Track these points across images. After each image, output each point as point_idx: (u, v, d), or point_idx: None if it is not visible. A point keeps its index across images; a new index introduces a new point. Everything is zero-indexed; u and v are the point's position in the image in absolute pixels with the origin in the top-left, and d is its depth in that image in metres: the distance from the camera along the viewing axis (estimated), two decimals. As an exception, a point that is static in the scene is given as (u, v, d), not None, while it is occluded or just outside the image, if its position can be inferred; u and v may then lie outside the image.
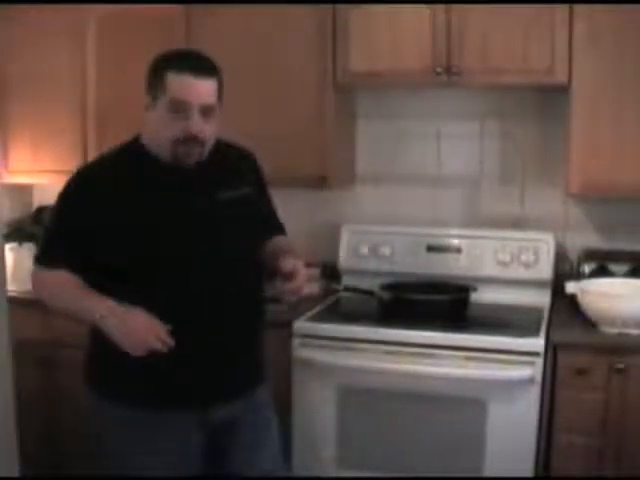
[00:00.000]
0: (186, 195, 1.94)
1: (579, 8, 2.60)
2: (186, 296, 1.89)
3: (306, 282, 2.01)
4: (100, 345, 1.98)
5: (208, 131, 1.90)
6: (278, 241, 2.19)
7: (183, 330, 1.86)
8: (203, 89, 1.86)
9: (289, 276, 1.96)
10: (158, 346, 1.78)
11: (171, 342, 1.79)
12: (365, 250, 3.08)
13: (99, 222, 1.88)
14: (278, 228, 2.25)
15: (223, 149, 2.05)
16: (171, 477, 1.96)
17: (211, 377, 1.95)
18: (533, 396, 2.45)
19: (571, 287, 2.64)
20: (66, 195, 1.96)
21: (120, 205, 1.89)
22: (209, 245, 1.93)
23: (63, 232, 1.94)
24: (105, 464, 2.02)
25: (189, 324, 1.88)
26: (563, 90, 2.71)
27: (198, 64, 1.89)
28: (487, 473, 2.51)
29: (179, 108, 1.85)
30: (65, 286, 1.91)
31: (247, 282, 2.02)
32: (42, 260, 1.98)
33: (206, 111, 1.87)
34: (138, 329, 1.79)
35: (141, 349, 1.79)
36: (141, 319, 1.80)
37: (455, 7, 2.71)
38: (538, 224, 3.04)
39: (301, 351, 2.65)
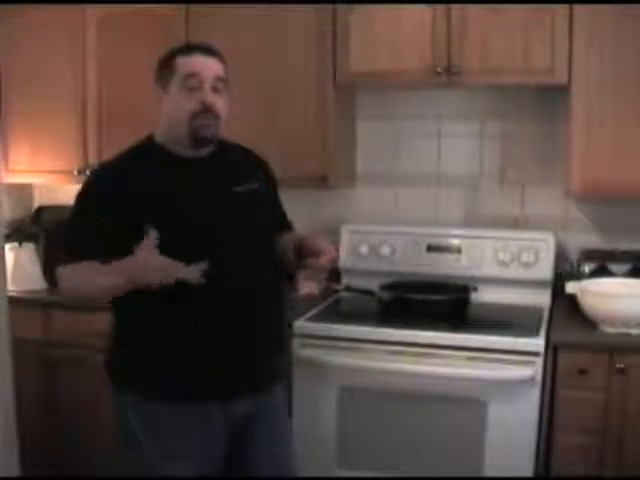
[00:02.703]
0: (202, 188, 1.97)
1: (579, 8, 2.60)
2: (205, 291, 1.89)
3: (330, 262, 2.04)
4: (124, 343, 2.01)
5: (221, 106, 1.96)
6: (289, 234, 2.23)
7: (204, 323, 1.90)
8: (213, 64, 1.97)
9: (322, 252, 2.00)
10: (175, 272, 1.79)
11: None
12: (365, 250, 3.08)
13: (116, 220, 1.89)
14: (288, 226, 2.29)
15: (231, 147, 2.11)
16: (178, 478, 1.96)
17: (235, 371, 1.97)
18: (533, 396, 2.45)
19: (571, 287, 2.64)
20: (83, 195, 1.98)
21: (137, 202, 1.90)
22: (228, 238, 1.95)
23: (83, 232, 1.95)
24: (128, 461, 2.02)
25: (212, 319, 1.91)
26: (563, 90, 2.71)
27: (204, 47, 2.00)
28: (487, 473, 2.51)
29: (192, 83, 1.92)
30: (89, 272, 1.90)
31: (267, 275, 2.04)
32: (63, 259, 1.97)
33: (217, 87, 1.95)
34: (153, 264, 1.79)
35: (169, 277, 1.79)
36: (144, 258, 1.80)
37: (455, 7, 2.71)
38: (538, 224, 3.04)
39: (301, 351, 2.65)
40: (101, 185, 1.98)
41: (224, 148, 2.06)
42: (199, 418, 1.95)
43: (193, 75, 1.92)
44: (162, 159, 1.98)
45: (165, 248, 1.83)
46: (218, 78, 1.95)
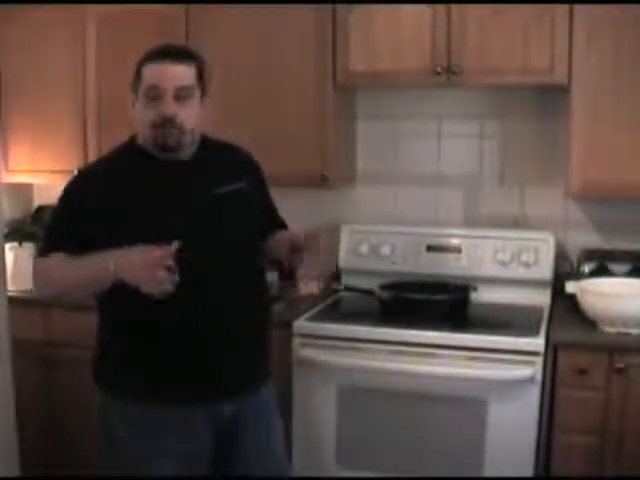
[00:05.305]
0: (184, 190, 1.96)
1: (579, 8, 2.60)
2: (188, 292, 1.89)
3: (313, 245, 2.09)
4: (109, 343, 2.00)
5: (185, 115, 1.92)
6: (282, 232, 2.23)
7: (189, 323, 1.90)
8: (175, 73, 1.91)
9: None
10: (165, 287, 1.73)
11: (174, 277, 1.74)
12: (365, 250, 3.08)
13: (99, 221, 1.89)
14: (280, 222, 2.29)
15: (218, 147, 2.10)
16: (173, 477, 1.96)
17: (221, 372, 1.97)
18: (533, 396, 2.45)
19: (571, 287, 2.64)
20: (67, 195, 1.99)
21: (121, 203, 1.90)
22: (210, 239, 1.95)
23: (62, 230, 1.95)
24: (113, 462, 2.02)
25: (195, 319, 1.91)
26: (563, 90, 2.71)
27: (170, 52, 1.95)
28: (487, 473, 2.51)
29: (154, 94, 1.90)
30: (68, 263, 1.88)
31: (250, 276, 2.04)
32: (39, 255, 1.98)
33: (181, 95, 1.91)
34: (145, 267, 1.75)
35: (154, 288, 1.74)
36: (141, 257, 1.76)
37: (455, 7, 2.71)
38: (538, 224, 3.04)
39: (301, 351, 2.64)
40: (83, 186, 1.98)
41: (210, 147, 2.05)
42: (185, 420, 1.95)
43: (154, 86, 1.90)
44: (144, 161, 1.98)
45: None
46: (180, 88, 1.91)
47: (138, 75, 1.94)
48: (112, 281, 1.81)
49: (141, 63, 1.95)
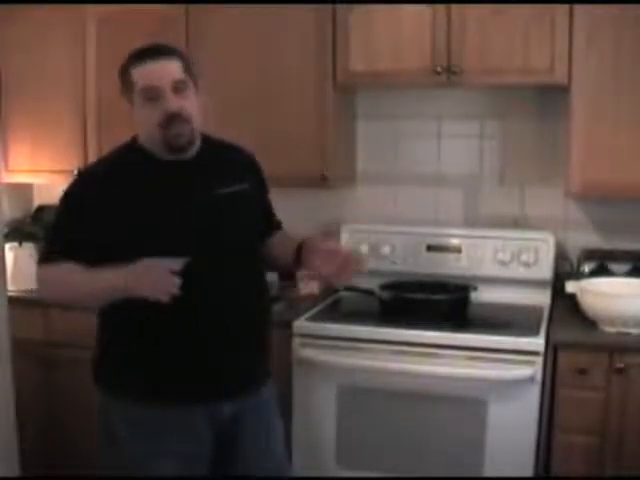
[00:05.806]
0: (186, 190, 1.96)
1: (579, 8, 2.60)
2: (189, 291, 1.89)
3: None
4: (109, 343, 2.00)
5: (189, 107, 1.92)
6: (282, 235, 2.24)
7: (189, 324, 1.90)
8: (167, 69, 1.91)
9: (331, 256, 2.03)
10: (173, 291, 1.76)
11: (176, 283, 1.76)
12: (365, 250, 3.08)
13: (102, 221, 1.88)
14: (277, 224, 2.30)
15: (220, 147, 2.10)
16: (173, 477, 1.96)
17: (221, 372, 1.96)
18: (533, 396, 2.45)
19: (571, 287, 2.64)
20: (68, 196, 1.98)
21: (122, 203, 1.90)
22: (211, 240, 1.95)
23: (66, 232, 1.95)
24: (113, 462, 2.02)
25: (195, 319, 1.91)
26: (563, 90, 2.71)
27: (155, 51, 1.93)
28: (487, 473, 2.51)
29: (152, 95, 1.89)
30: (73, 274, 1.88)
31: (250, 276, 2.04)
32: (45, 259, 1.98)
33: (178, 88, 1.90)
34: (154, 278, 1.78)
35: (163, 294, 1.76)
36: (150, 268, 1.78)
37: (455, 7, 2.71)
38: (538, 224, 3.04)
39: (301, 351, 2.64)
40: (84, 187, 1.97)
41: (212, 148, 2.05)
42: (185, 420, 1.95)
43: (150, 88, 1.88)
44: (146, 162, 1.97)
45: (148, 251, 1.83)
46: (176, 81, 1.90)
47: (126, 81, 1.93)
48: (123, 296, 1.82)
49: (125, 69, 1.93)
